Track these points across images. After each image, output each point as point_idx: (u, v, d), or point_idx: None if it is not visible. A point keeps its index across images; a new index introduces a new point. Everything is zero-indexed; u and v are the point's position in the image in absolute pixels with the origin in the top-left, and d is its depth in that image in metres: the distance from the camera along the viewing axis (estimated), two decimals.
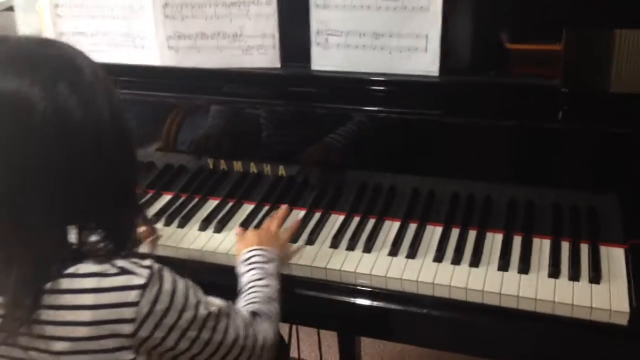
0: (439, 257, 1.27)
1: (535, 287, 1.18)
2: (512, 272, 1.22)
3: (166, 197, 1.54)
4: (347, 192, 1.42)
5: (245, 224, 1.40)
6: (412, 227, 1.36)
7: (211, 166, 1.48)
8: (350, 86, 1.35)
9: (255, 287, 1.13)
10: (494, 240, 1.31)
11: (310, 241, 1.34)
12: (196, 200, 1.50)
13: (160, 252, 1.36)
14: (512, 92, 1.27)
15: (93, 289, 0.86)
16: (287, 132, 1.41)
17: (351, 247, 1.31)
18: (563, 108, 1.23)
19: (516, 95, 1.26)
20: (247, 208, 1.47)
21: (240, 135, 1.44)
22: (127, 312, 0.86)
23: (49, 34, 1.50)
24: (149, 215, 1.44)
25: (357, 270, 1.25)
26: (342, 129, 1.35)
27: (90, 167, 0.86)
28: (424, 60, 1.30)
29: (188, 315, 0.92)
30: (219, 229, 1.40)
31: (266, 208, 1.46)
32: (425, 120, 1.30)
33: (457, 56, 1.32)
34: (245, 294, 1.14)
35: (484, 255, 1.27)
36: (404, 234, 1.34)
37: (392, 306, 1.23)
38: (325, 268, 1.27)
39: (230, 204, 1.48)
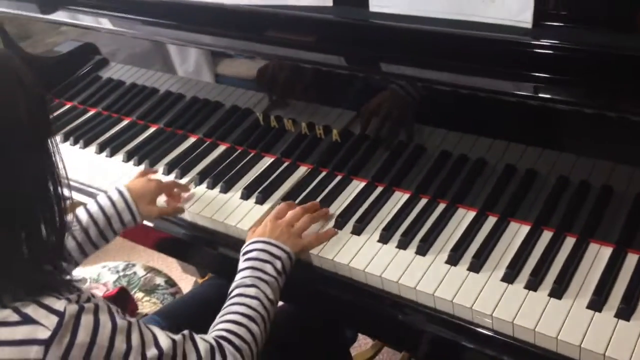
0: (509, 277, 0.95)
1: None
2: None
3: (221, 148, 1.35)
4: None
5: (293, 193, 1.19)
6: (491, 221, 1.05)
7: (262, 122, 1.25)
8: (410, 39, 1.00)
9: (238, 297, 0.93)
10: (599, 254, 0.96)
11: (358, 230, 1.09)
12: (251, 155, 1.30)
13: (198, 221, 1.21)
14: None
15: None
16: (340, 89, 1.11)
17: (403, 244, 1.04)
18: None
19: None
20: (301, 170, 1.24)
21: (285, 90, 1.18)
22: None
23: None
24: (199, 170, 1.28)
25: (400, 283, 0.99)
26: (401, 90, 1.03)
27: None
28: (511, 3, 0.91)
29: None
30: (261, 200, 1.20)
31: (323, 174, 1.23)
32: (512, 103, 0.92)
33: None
34: (227, 302, 0.94)
35: (574, 279, 0.93)
36: (476, 232, 1.04)
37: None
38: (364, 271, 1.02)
39: (286, 164, 1.26)
